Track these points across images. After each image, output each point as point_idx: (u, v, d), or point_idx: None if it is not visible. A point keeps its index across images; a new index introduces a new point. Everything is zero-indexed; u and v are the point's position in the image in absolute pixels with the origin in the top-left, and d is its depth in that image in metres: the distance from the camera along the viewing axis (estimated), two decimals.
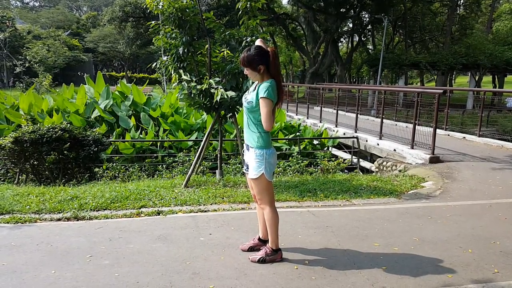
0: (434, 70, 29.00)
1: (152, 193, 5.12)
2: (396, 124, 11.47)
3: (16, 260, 3.10)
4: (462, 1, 37.05)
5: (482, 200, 5.09)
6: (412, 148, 8.49)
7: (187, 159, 8.44)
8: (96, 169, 7.80)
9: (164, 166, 8.37)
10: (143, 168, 8.34)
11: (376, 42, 39.17)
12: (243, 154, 3.28)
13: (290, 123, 10.84)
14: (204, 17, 5.36)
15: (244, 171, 3.17)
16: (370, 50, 36.60)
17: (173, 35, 5.57)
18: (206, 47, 5.59)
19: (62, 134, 6.65)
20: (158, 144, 9.43)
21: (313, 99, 16.86)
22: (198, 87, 5.32)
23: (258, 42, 2.97)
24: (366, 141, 10.12)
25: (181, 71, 5.40)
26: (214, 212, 4.43)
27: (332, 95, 19.13)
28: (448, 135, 11.43)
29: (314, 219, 4.18)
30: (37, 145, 6.56)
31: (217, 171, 6.09)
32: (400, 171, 7.89)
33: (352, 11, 27.07)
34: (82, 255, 3.19)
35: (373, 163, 9.87)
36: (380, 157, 9.44)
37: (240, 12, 5.26)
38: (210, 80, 5.24)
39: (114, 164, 7.93)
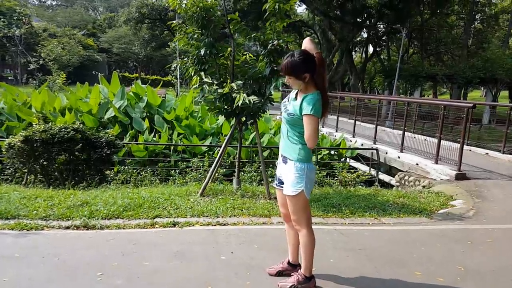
0: (450, 83, 28.46)
1: (167, 201, 4.81)
2: (414, 137, 11.05)
3: (19, 274, 2.81)
4: (479, 15, 36.57)
5: None
6: (436, 163, 8.08)
7: (201, 164, 8.15)
8: (107, 172, 7.55)
9: (177, 171, 8.08)
10: (155, 172, 8.06)
11: (391, 53, 38.73)
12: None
13: None
14: (228, 18, 5.08)
15: (274, 186, 2.84)
16: (384, 61, 36.14)
17: (195, 36, 5.30)
18: (229, 49, 5.32)
19: (74, 134, 6.40)
20: (172, 148, 9.15)
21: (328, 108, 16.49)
22: (220, 90, 5.03)
23: (306, 42, 2.64)
24: (386, 153, 9.73)
25: (202, 73, 5.11)
26: (234, 226, 4.10)
27: (346, 104, 18.77)
28: (470, 150, 10.96)
29: (343, 239, 3.83)
30: (48, 145, 6.30)
31: (234, 180, 5.77)
32: (424, 186, 7.50)
33: (368, 21, 26.73)
34: (92, 272, 2.88)
35: (392, 176, 9.47)
36: (401, 170, 9.04)
37: (267, 14, 4.96)
38: (232, 84, 4.95)
39: (126, 167, 7.67)
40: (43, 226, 3.82)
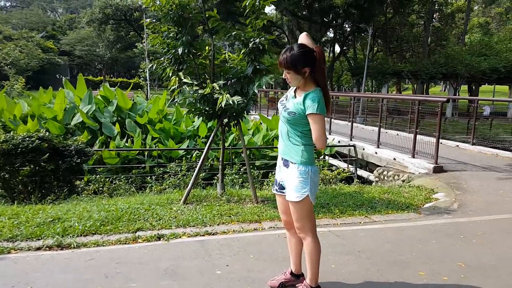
0: (414, 79, 29.41)
1: (148, 212, 4.50)
2: (386, 132, 11.21)
3: None
4: (437, 14, 38.12)
5: (505, 214, 4.74)
6: (413, 157, 8.19)
7: (179, 169, 7.82)
8: (77, 182, 7.08)
9: (153, 177, 7.72)
10: (130, 180, 7.66)
11: (356, 52, 39.56)
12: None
13: None
14: (207, 15, 4.82)
15: (274, 191, 2.64)
16: (351, 60, 36.89)
17: (171, 35, 5.01)
18: (208, 48, 5.07)
19: (40, 143, 5.90)
20: (146, 153, 8.76)
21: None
22: (200, 91, 4.77)
23: (302, 37, 2.46)
24: (363, 149, 9.78)
25: (181, 73, 4.83)
26: (224, 235, 3.86)
27: None
28: (441, 143, 11.22)
29: (340, 241, 3.69)
30: (10, 157, 5.78)
31: (218, 185, 5.52)
32: (403, 181, 7.55)
33: (335, 20, 27.12)
34: None
35: (370, 172, 9.54)
36: (378, 166, 9.10)
37: (247, 11, 4.75)
38: (214, 84, 4.71)
39: (98, 176, 7.22)
40: (10, 248, 3.41)
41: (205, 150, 5.25)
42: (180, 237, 3.78)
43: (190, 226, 4.09)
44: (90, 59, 45.07)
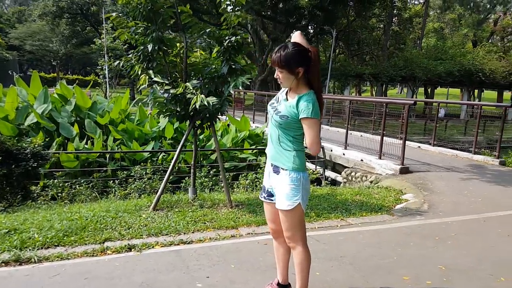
0: (375, 81, 30.41)
1: (115, 220, 4.19)
2: (351, 133, 11.41)
3: None
4: (396, 18, 39.72)
5: (472, 215, 4.89)
6: (380, 158, 8.36)
7: (144, 172, 7.46)
8: (32, 187, 6.54)
9: (116, 181, 7.31)
10: (91, 184, 7.19)
11: (319, 54, 40.22)
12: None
13: (255, 132, 10.24)
14: (179, 10, 4.58)
15: (262, 199, 2.50)
16: None
17: (139, 30, 4.72)
18: (180, 45, 4.83)
19: None
20: (108, 155, 8.28)
21: (264, 106, 16.58)
22: (172, 91, 4.53)
23: (296, 36, 2.33)
24: (331, 150, 9.87)
25: (150, 71, 4.55)
26: (201, 243, 3.66)
27: None
28: (398, 143, 11.62)
29: (321, 247, 3.61)
30: None
31: (190, 189, 5.28)
32: (371, 182, 7.67)
33: (300, 21, 27.40)
34: None
35: (338, 173, 9.64)
36: (346, 167, 9.21)
37: (221, 7, 4.57)
38: (187, 84, 4.47)
39: (55, 180, 6.71)
40: None
41: (176, 153, 5.00)
42: (153, 247, 3.54)
43: (163, 235, 3.85)
44: (42, 54, 42.50)
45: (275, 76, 2.26)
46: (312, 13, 23.84)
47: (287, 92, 2.31)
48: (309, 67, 2.20)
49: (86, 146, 8.40)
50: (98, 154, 8.17)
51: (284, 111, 2.24)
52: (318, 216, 4.61)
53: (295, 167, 2.25)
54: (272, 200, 2.40)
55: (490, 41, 38.59)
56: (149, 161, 8.29)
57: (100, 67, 24.19)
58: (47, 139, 8.29)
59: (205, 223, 4.20)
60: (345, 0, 25.53)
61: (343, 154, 9.43)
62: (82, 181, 7.02)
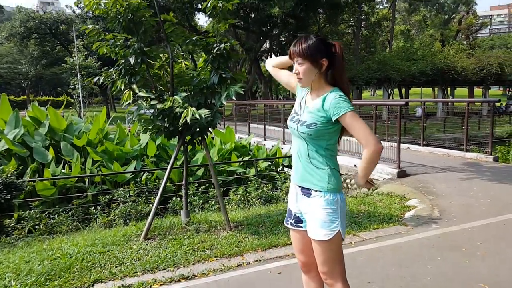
0: (351, 85, 30.70)
1: (103, 255, 3.69)
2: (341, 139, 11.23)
3: None
4: (364, 23, 40.54)
5: (489, 219, 4.63)
6: None
7: (127, 195, 6.90)
8: (6, 221, 5.89)
9: (98, 207, 6.72)
10: (70, 212, 6.58)
11: None
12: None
13: (241, 143, 9.83)
14: (162, 19, 4.17)
15: (288, 225, 2.11)
16: (289, 69, 37.60)
17: (118, 43, 4.28)
18: (164, 56, 4.42)
19: None
20: (87, 179, 7.68)
21: (243, 116, 16.39)
22: (159, 106, 4.09)
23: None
24: None
25: (134, 86, 4.11)
26: (205, 277, 3.21)
27: (255, 111, 18.79)
28: (391, 146, 11.49)
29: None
30: None
31: (182, 212, 4.81)
32: (369, 188, 7.40)
33: (273, 30, 27.41)
34: None
35: None
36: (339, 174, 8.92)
37: (208, 13, 4.19)
38: (175, 97, 4.05)
39: (32, 211, 6.08)
40: None
41: (167, 173, 4.54)
42: (151, 286, 3.06)
43: (160, 270, 3.38)
44: (11, 77, 40.80)
45: (294, 71, 1.91)
46: (284, 21, 23.84)
47: (303, 99, 2.00)
48: (333, 60, 1.88)
49: (63, 171, 7.76)
50: (77, 178, 7.55)
51: (310, 118, 1.88)
52: None
53: (330, 188, 1.88)
54: (301, 227, 2.02)
55: (456, 39, 39.84)
56: (132, 182, 7.74)
57: (72, 86, 23.26)
58: (20, 167, 7.61)
59: (205, 251, 3.76)
60: (316, 7, 25.74)
61: None
62: (60, 210, 6.41)
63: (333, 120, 1.84)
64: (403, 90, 37.12)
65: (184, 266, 3.44)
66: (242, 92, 4.25)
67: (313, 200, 1.91)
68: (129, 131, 10.59)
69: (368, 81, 28.07)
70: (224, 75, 4.25)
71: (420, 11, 44.39)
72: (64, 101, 18.88)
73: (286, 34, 31.13)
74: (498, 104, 29.98)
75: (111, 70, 4.22)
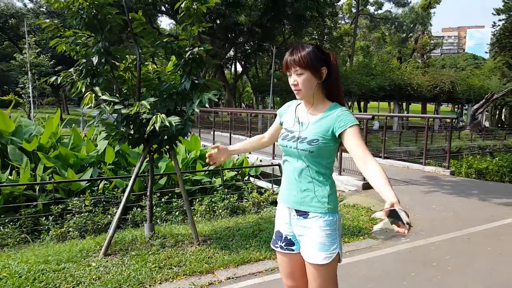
0: None
1: (59, 274, 3.31)
2: None
3: None
4: (327, 37, 41.83)
5: (454, 232, 4.72)
6: (340, 174, 8.17)
7: (82, 205, 6.41)
8: None
9: (49, 217, 6.19)
10: (18, 223, 6.00)
11: (258, 70, 40.85)
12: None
13: (206, 151, 9.52)
14: (130, 17, 3.90)
15: (278, 249, 1.93)
16: (253, 77, 37.82)
17: (79, 40, 3.95)
18: (131, 58, 4.14)
19: None
20: (38, 187, 7.07)
21: (206, 123, 16.15)
22: (124, 111, 3.80)
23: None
24: None
25: (97, 88, 3.79)
26: None
27: (221, 119, 18.60)
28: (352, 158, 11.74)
29: None
30: None
31: (146, 225, 4.49)
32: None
33: (239, 38, 27.42)
34: None
35: None
36: None
37: (182, 14, 3.97)
38: (143, 102, 3.78)
39: None
40: None
41: (130, 182, 4.22)
42: None
43: None
44: None
45: (292, 83, 1.76)
46: (251, 30, 23.94)
47: (295, 115, 1.89)
48: (331, 69, 1.76)
49: (10, 177, 7.10)
50: (26, 186, 6.92)
51: (312, 134, 1.75)
52: None
53: (331, 208, 1.75)
54: (293, 251, 1.86)
55: (412, 57, 42.14)
56: (88, 191, 7.23)
57: (21, 85, 21.73)
58: None
59: (172, 268, 3.49)
60: (282, 17, 26.11)
61: None
62: (6, 220, 5.83)
63: (337, 135, 1.72)
64: (362, 104, 38.55)
65: (150, 286, 3.16)
66: (216, 100, 4.06)
67: (311, 222, 1.76)
68: (85, 136, 9.98)
69: None
70: (197, 81, 4.04)
71: (380, 28, 46.53)
72: (12, 100, 17.47)
73: (251, 43, 31.30)
74: (448, 120, 31.98)
75: (71, 70, 3.87)
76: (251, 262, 3.66)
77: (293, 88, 1.78)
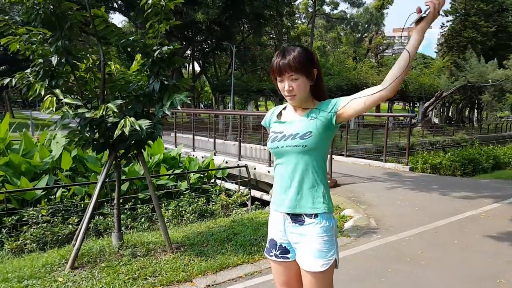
0: (276, 97, 31.65)
1: None
2: (251, 147, 11.33)
3: None
4: (285, 36, 42.37)
5: (421, 227, 4.87)
6: None
7: (40, 216, 5.97)
8: None
9: (3, 230, 5.70)
10: None
11: (217, 70, 40.51)
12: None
13: (170, 154, 9.25)
14: (92, 14, 3.65)
15: (272, 258, 1.84)
16: (212, 77, 37.43)
17: (34, 38, 3.65)
18: (94, 57, 3.88)
19: None
20: None
21: (165, 125, 15.81)
22: (88, 115, 3.54)
23: None
24: (255, 168, 9.49)
25: (57, 91, 3.50)
26: None
27: (179, 120, 18.24)
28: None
29: None
30: None
31: (114, 235, 4.23)
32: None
33: (198, 36, 27.01)
34: None
35: (263, 191, 9.28)
36: (271, 185, 8.92)
37: (149, 11, 3.77)
38: (109, 105, 3.54)
39: None
40: None
41: (97, 190, 3.96)
42: None
43: None
44: None
45: (286, 88, 1.68)
46: (209, 28, 23.65)
47: (280, 113, 1.86)
48: (319, 69, 1.75)
49: None
50: None
51: (302, 128, 1.69)
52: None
53: (327, 209, 1.70)
54: (288, 259, 1.79)
55: (366, 57, 43.76)
56: (44, 200, 6.75)
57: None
58: None
59: (147, 279, 3.32)
60: (241, 16, 26.03)
61: (268, 171, 9.12)
62: None
63: (336, 112, 1.66)
64: None
65: None
66: (188, 102, 3.89)
67: (307, 229, 1.70)
68: (37, 141, 9.33)
69: None
70: (166, 82, 3.86)
71: (336, 28, 47.82)
72: None
73: (210, 41, 30.95)
74: (401, 118, 33.48)
75: (27, 71, 3.55)
76: (230, 268, 3.55)
77: (286, 93, 1.70)
